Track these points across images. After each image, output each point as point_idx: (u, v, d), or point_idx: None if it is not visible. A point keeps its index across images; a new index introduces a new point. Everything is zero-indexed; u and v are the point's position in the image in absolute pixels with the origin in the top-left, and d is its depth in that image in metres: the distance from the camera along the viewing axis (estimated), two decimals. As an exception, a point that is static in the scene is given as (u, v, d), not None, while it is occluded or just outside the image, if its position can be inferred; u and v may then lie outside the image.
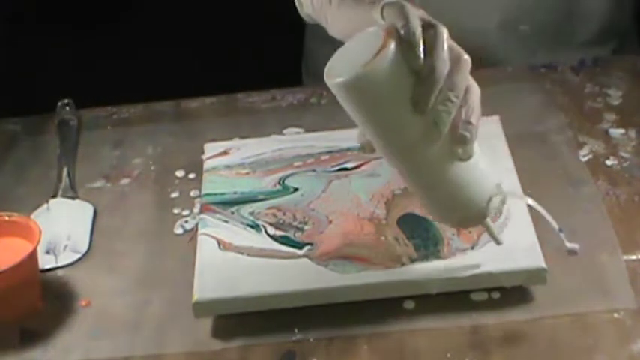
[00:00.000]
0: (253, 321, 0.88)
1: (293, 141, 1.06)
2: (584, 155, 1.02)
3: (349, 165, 1.01)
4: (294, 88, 1.21)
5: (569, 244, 0.86)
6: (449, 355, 0.83)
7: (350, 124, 1.09)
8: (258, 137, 1.09)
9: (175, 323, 0.90)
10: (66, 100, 1.19)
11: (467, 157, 0.81)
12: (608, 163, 1.01)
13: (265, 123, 1.13)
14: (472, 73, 0.84)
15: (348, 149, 1.03)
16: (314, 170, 1.01)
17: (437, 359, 0.83)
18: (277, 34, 1.78)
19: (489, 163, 0.84)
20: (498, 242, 0.86)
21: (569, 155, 1.02)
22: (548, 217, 0.85)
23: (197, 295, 0.88)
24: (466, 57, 0.81)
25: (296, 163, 1.02)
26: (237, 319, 0.88)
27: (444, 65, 0.79)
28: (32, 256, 0.91)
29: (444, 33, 0.80)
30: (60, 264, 0.98)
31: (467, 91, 0.81)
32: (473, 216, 0.84)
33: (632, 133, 1.04)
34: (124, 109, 1.20)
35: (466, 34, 1.19)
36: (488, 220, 0.85)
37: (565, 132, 1.06)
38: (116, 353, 0.88)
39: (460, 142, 0.80)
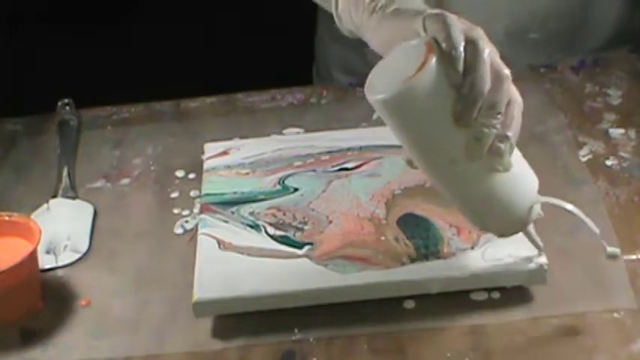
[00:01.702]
0: (253, 321, 0.88)
1: (293, 141, 1.06)
2: (584, 155, 1.02)
3: (349, 165, 1.01)
4: (294, 87, 1.21)
5: (609, 249, 0.84)
6: (449, 355, 0.83)
7: (350, 124, 1.10)
8: (258, 137, 1.09)
9: (175, 323, 0.90)
10: (66, 100, 1.19)
11: (503, 169, 0.80)
12: (608, 163, 1.01)
13: (265, 123, 1.13)
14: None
15: (348, 149, 1.03)
16: (314, 170, 1.01)
17: (437, 359, 0.83)
18: (282, 34, 1.78)
19: (529, 168, 0.84)
20: (540, 249, 0.86)
21: (569, 155, 1.02)
22: (590, 222, 0.84)
23: (197, 295, 0.88)
24: (507, 72, 0.80)
25: (296, 163, 1.02)
26: (237, 319, 0.88)
27: (483, 83, 0.78)
28: (32, 256, 0.91)
29: (486, 49, 0.79)
30: (60, 264, 0.98)
31: (508, 103, 0.80)
32: (514, 224, 0.84)
33: (632, 133, 1.04)
34: (124, 109, 1.20)
35: None
36: (530, 227, 0.85)
37: (565, 132, 1.06)
38: (116, 353, 0.88)
39: (496, 154, 0.80)
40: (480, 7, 1.17)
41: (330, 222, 0.94)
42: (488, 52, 0.80)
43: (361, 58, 1.16)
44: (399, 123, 0.80)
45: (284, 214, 0.96)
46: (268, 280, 0.88)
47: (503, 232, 0.86)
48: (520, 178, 0.83)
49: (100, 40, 1.98)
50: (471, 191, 0.82)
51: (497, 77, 0.80)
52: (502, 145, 0.80)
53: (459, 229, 0.91)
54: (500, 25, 1.19)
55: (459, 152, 0.79)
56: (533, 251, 0.87)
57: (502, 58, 1.20)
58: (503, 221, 0.83)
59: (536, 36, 1.20)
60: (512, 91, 0.81)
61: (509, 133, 0.80)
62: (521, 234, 0.86)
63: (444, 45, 0.78)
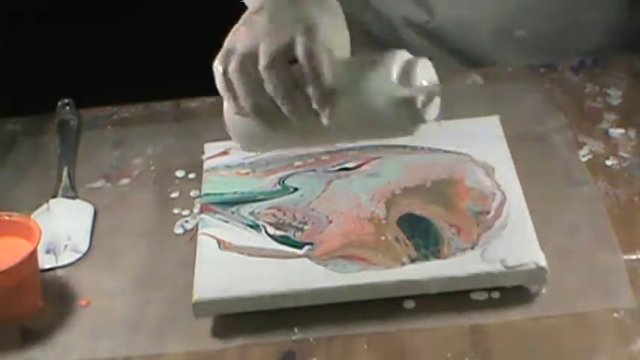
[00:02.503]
0: (253, 321, 0.88)
1: (293, 141, 1.06)
2: (584, 155, 1.02)
3: (349, 165, 1.01)
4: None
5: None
6: (449, 355, 0.83)
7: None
8: (258, 137, 1.09)
9: (175, 323, 0.90)
10: (66, 100, 1.19)
11: (330, 121, 0.81)
12: (608, 163, 1.01)
13: (265, 123, 1.13)
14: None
15: (348, 149, 1.03)
16: (314, 170, 1.01)
17: (437, 359, 0.83)
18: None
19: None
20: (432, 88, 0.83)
21: (569, 155, 1.02)
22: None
23: (197, 295, 0.88)
24: (262, 62, 0.81)
25: (296, 163, 1.02)
26: (237, 319, 0.88)
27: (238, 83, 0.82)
28: (32, 256, 0.91)
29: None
30: (60, 264, 0.98)
31: (308, 57, 0.80)
32: (400, 122, 0.83)
33: (632, 133, 1.04)
34: (124, 109, 1.20)
35: (459, 35, 1.19)
36: (418, 99, 0.82)
37: (565, 132, 1.06)
38: (116, 353, 0.88)
39: (321, 115, 0.81)
40: (465, 3, 1.17)
41: (330, 222, 0.94)
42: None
43: None
44: None
45: (284, 214, 0.96)
46: (268, 280, 0.88)
47: (406, 131, 0.85)
48: (364, 95, 0.82)
49: (100, 40, 1.98)
50: (346, 134, 0.87)
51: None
52: (316, 106, 0.81)
53: (459, 229, 0.91)
54: (486, 22, 1.18)
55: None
56: (533, 251, 0.87)
57: (489, 56, 1.20)
58: (390, 128, 0.84)
59: (523, 34, 1.19)
60: (302, 52, 0.80)
61: (316, 87, 0.80)
62: (519, 238, 0.87)
63: None
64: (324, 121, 0.81)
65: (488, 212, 0.92)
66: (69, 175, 1.08)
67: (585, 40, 1.21)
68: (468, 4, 1.18)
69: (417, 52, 1.21)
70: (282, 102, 0.81)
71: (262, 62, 0.81)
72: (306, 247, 0.91)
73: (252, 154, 1.04)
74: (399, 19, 1.22)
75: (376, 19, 1.23)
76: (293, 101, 0.81)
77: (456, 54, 1.21)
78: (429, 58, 0.84)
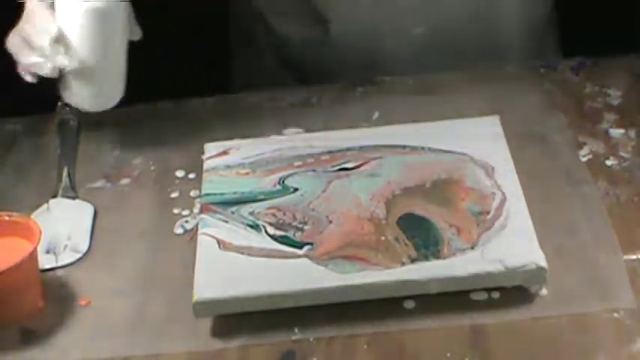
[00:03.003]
0: (253, 321, 0.88)
1: (293, 141, 1.06)
2: (584, 155, 1.02)
3: (349, 165, 1.01)
4: (294, 88, 1.21)
5: None
6: (449, 355, 0.83)
7: (350, 124, 1.10)
8: (258, 137, 1.09)
9: (175, 323, 0.90)
10: (66, 100, 1.19)
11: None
12: (608, 163, 1.01)
13: (265, 123, 1.13)
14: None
15: (348, 149, 1.03)
16: (314, 170, 1.01)
17: (437, 359, 0.83)
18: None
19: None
20: None
21: (569, 155, 1.02)
22: None
23: (197, 295, 0.88)
24: None
25: (296, 163, 1.02)
26: (237, 319, 0.88)
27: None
28: (32, 256, 0.91)
29: None
30: (60, 264, 0.98)
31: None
32: None
33: (632, 133, 1.04)
34: (124, 109, 1.20)
35: (362, 46, 1.20)
36: None
37: (565, 132, 1.06)
38: (116, 353, 0.88)
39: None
40: (363, 10, 1.17)
41: (330, 222, 0.94)
42: None
43: (264, 72, 1.24)
44: None
45: (284, 214, 0.96)
46: (268, 280, 0.88)
47: None
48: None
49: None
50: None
51: None
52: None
53: (459, 229, 0.91)
54: (385, 24, 1.18)
55: None
56: (533, 251, 0.87)
57: (388, 55, 1.19)
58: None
59: (421, 30, 1.19)
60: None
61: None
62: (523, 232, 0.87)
63: None
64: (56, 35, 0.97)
65: (488, 212, 0.92)
66: (69, 175, 1.08)
67: (491, 36, 1.20)
68: (365, 11, 1.17)
69: (321, 71, 1.23)
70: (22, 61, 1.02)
71: None
72: (306, 247, 0.91)
73: (251, 153, 1.04)
74: (298, 39, 1.22)
75: (280, 42, 1.23)
76: (23, 51, 1.00)
77: (361, 67, 1.20)
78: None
